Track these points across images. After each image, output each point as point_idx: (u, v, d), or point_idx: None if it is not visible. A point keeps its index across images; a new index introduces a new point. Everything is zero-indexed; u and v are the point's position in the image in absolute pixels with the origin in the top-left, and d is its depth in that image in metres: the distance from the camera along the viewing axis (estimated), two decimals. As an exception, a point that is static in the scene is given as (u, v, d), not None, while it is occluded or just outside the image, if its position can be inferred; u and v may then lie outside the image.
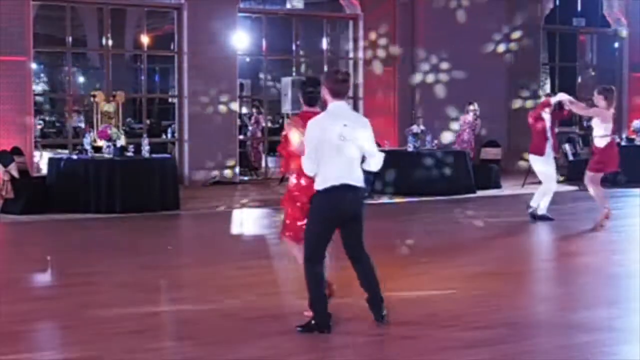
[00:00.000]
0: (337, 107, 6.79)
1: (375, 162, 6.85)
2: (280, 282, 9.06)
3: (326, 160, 6.63)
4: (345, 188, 6.67)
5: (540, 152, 13.21)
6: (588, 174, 12.83)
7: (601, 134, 12.75)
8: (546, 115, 13.20)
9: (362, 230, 6.91)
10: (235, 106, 19.73)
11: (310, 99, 7.12)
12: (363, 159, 6.86)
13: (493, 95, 21.72)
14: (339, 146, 6.64)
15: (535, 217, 13.29)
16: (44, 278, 9.55)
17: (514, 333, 6.86)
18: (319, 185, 6.70)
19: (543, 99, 14.52)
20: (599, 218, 12.70)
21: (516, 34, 22.24)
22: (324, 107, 6.97)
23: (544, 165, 13.26)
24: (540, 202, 13.34)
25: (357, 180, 6.73)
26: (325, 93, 6.83)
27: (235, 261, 10.39)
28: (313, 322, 6.80)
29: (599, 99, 12.85)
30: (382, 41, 21.15)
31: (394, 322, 7.17)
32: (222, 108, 19.32)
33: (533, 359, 6.34)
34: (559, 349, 6.49)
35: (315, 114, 6.96)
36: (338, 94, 6.78)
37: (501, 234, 12.51)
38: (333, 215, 6.72)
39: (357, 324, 7.05)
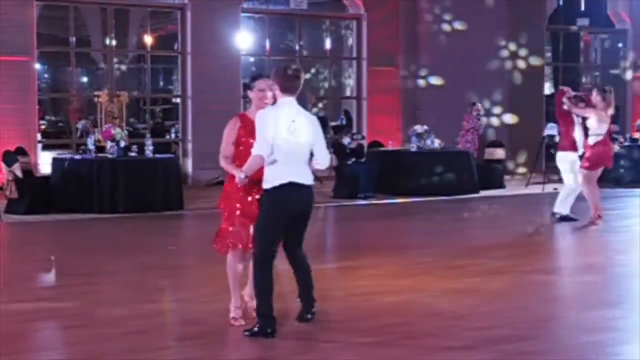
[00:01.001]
0: (286, 103, 6.72)
1: (323, 160, 6.73)
2: (282, 282, 9.06)
3: (275, 157, 6.51)
4: (293, 186, 6.57)
5: (570, 149, 13.02)
6: (581, 172, 12.86)
7: (595, 133, 12.82)
8: (571, 109, 13.00)
9: (306, 228, 6.81)
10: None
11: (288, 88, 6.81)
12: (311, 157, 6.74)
13: (497, 94, 21.70)
14: (287, 141, 6.55)
15: (561, 219, 13.13)
16: (47, 278, 9.56)
17: (517, 333, 6.85)
18: (268, 184, 6.57)
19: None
20: (590, 217, 12.76)
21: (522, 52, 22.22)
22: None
23: (571, 164, 13.09)
24: (565, 204, 13.22)
25: (306, 178, 6.65)
26: (275, 88, 6.74)
27: (238, 261, 10.37)
28: (257, 327, 6.62)
29: (597, 99, 12.89)
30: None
31: (396, 322, 7.18)
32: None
33: (536, 359, 6.33)
34: (562, 349, 6.49)
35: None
36: (287, 90, 6.70)
37: (504, 234, 12.50)
38: (281, 214, 6.58)
39: (358, 323, 7.06)
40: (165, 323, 7.54)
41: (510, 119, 21.87)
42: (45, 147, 19.90)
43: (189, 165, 19.27)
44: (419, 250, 10.55)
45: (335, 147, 17.74)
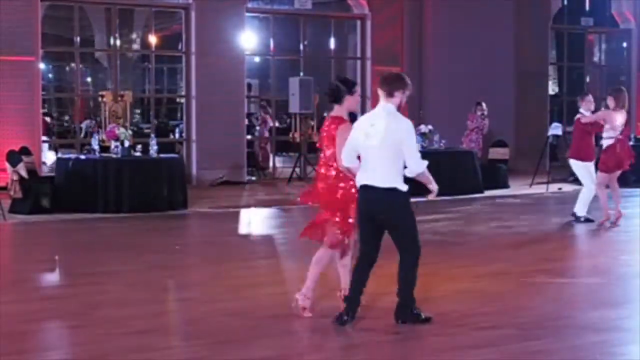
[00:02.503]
0: (377, 109, 6.99)
1: (412, 166, 6.89)
2: (288, 282, 9.06)
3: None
4: (366, 188, 6.81)
5: (587, 158, 12.98)
6: (597, 175, 12.89)
7: (606, 135, 12.83)
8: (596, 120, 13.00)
9: (398, 233, 6.92)
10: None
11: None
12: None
13: (501, 95, 21.69)
14: (363, 146, 6.81)
15: (581, 220, 13.05)
16: (52, 278, 9.56)
17: (522, 333, 6.84)
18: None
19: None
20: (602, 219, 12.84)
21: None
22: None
23: (586, 168, 13.02)
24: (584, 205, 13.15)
25: (378, 180, 6.78)
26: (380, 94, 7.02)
27: (242, 261, 10.39)
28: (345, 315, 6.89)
29: (609, 100, 12.92)
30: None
31: (402, 322, 7.17)
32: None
33: (541, 359, 6.32)
34: (567, 350, 6.47)
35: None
36: (390, 96, 6.96)
37: (509, 234, 12.49)
38: (360, 214, 6.93)
39: (361, 324, 7.05)
40: (169, 323, 7.54)
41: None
42: (50, 147, 19.92)
43: (193, 165, 19.26)
44: (422, 250, 10.52)
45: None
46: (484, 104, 19.49)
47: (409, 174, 6.89)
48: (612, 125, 12.78)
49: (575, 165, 13.14)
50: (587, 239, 12.46)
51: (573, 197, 13.62)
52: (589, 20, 24.83)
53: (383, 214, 6.85)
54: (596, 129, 13.07)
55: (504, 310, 7.58)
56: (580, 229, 12.85)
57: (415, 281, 6.95)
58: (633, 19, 24.68)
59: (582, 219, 13.06)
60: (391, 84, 6.98)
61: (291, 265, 9.98)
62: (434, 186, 7.05)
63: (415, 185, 7.01)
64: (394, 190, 6.78)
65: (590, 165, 13.03)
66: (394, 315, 6.96)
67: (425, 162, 6.93)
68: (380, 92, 6.99)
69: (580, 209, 13.10)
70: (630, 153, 13.19)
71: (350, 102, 7.23)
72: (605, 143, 12.93)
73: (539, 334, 6.82)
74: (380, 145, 6.76)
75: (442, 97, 21.03)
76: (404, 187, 6.83)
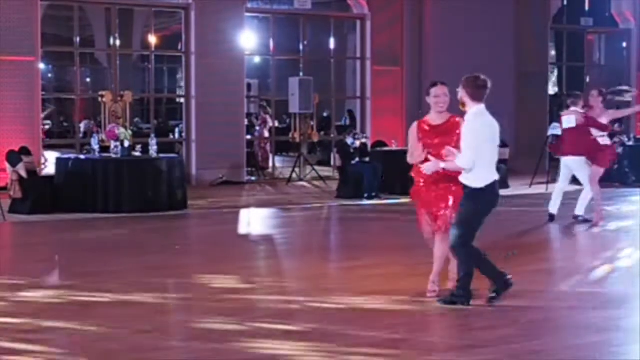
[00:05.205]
0: (482, 111, 7.59)
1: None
2: (287, 282, 9.07)
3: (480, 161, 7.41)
4: (497, 184, 7.60)
5: (587, 153, 12.96)
6: (592, 170, 12.93)
7: (601, 133, 12.94)
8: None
9: None
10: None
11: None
12: None
13: (501, 95, 21.67)
14: (491, 147, 7.52)
15: (585, 220, 13.04)
16: (51, 278, 9.55)
17: (522, 333, 6.85)
18: (479, 183, 7.45)
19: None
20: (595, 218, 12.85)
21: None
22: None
23: (585, 168, 13.02)
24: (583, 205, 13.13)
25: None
26: (464, 96, 7.60)
27: (242, 261, 10.39)
28: (455, 297, 7.55)
29: (598, 100, 13.05)
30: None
31: (400, 322, 7.17)
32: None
33: (541, 359, 6.33)
34: (567, 349, 6.47)
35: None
36: (477, 98, 7.59)
37: (507, 234, 12.48)
38: (489, 208, 7.58)
39: (362, 323, 7.05)
40: (170, 322, 7.54)
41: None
42: (50, 147, 19.90)
43: (193, 165, 19.26)
44: (423, 250, 10.51)
45: (339, 147, 17.74)
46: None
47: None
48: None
49: (574, 162, 13.02)
50: (585, 238, 12.46)
51: (573, 197, 13.60)
52: (589, 20, 24.83)
53: None
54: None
55: (503, 309, 7.58)
56: (578, 229, 12.85)
57: None
58: (633, 19, 24.68)
59: (581, 219, 13.06)
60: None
61: (290, 266, 10.00)
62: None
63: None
64: None
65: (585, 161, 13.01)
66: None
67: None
68: (477, 95, 7.61)
69: (581, 209, 13.09)
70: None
71: (431, 103, 8.03)
72: (602, 141, 12.97)
73: (539, 334, 6.82)
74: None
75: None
76: None
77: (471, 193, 7.49)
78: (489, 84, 7.68)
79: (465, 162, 7.42)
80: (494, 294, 7.60)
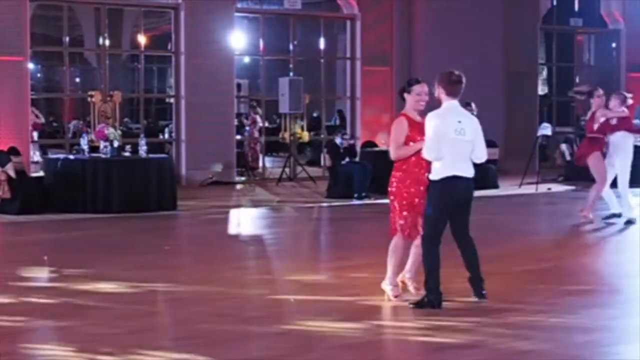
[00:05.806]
0: (452, 106, 7.59)
1: (481, 155, 7.63)
2: (277, 282, 9.05)
3: (443, 153, 7.38)
4: (458, 179, 7.45)
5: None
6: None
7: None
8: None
9: (469, 216, 7.73)
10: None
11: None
12: None
13: (491, 95, 21.70)
14: (453, 140, 7.40)
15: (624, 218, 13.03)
16: (40, 278, 9.52)
17: (512, 333, 6.85)
18: (436, 176, 7.44)
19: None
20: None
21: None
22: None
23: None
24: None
25: (468, 172, 7.53)
26: (439, 92, 7.65)
27: (232, 261, 10.37)
28: (425, 299, 7.48)
29: (598, 101, 13.09)
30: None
31: (392, 321, 7.17)
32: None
33: (532, 358, 6.33)
34: (558, 349, 6.48)
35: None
36: (452, 94, 7.60)
37: (498, 234, 12.49)
38: (448, 202, 7.48)
39: (354, 323, 7.05)
40: (159, 323, 7.53)
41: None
42: (39, 147, 19.82)
43: (182, 165, 19.22)
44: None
45: (329, 147, 17.73)
46: (473, 104, 19.46)
47: (479, 161, 7.65)
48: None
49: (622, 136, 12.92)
50: (576, 239, 12.47)
51: (562, 197, 13.63)
52: (578, 21, 24.86)
53: (471, 201, 7.66)
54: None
55: (494, 310, 7.58)
56: (572, 228, 12.87)
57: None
58: (622, 19, 24.71)
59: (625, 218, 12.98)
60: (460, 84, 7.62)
61: (281, 266, 9.99)
62: None
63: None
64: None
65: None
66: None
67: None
68: (450, 90, 7.60)
69: (619, 207, 13.07)
70: None
71: (410, 100, 7.98)
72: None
73: (529, 334, 6.82)
74: (470, 140, 7.51)
75: (431, 97, 20.97)
76: None
77: (429, 185, 7.57)
78: (464, 79, 7.65)
79: (426, 154, 7.50)
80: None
